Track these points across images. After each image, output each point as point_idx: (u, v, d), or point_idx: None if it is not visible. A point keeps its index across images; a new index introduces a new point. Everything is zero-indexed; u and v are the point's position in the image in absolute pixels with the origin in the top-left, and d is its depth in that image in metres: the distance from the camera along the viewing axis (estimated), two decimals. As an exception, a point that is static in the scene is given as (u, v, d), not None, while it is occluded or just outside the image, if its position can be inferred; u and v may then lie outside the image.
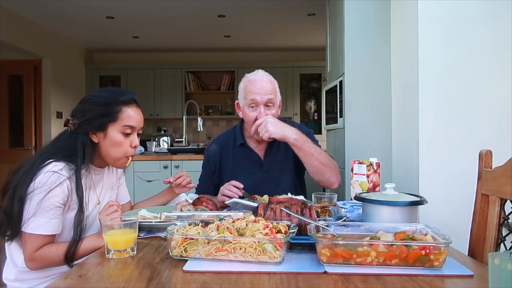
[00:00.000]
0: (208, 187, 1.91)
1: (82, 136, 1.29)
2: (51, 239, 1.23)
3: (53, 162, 1.24)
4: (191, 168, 3.50)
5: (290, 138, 1.68)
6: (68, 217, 1.27)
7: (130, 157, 1.38)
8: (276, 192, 1.69)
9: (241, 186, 1.67)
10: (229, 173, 1.86)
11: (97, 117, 1.29)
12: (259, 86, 1.75)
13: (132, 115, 1.34)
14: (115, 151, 1.33)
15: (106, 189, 1.46)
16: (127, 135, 1.33)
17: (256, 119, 1.74)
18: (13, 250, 1.28)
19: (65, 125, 1.33)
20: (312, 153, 1.70)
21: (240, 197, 1.63)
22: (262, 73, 1.81)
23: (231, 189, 1.67)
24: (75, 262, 1.24)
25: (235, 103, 1.90)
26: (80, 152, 1.28)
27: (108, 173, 1.48)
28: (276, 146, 1.89)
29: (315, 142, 1.83)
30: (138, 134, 1.39)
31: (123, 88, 1.42)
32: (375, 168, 1.63)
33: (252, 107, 1.76)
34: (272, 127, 1.66)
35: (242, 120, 1.92)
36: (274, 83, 1.81)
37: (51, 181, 1.20)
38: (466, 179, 1.61)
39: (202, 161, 2.01)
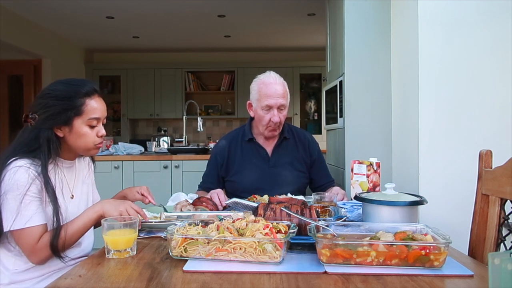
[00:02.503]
0: (212, 182, 1.97)
1: (45, 131, 1.26)
2: (45, 227, 1.22)
3: (17, 160, 1.22)
4: (191, 168, 3.49)
5: None
6: (47, 211, 1.25)
7: (99, 145, 1.37)
8: (279, 187, 1.75)
9: (224, 203, 1.65)
10: (236, 166, 1.94)
11: (61, 112, 1.27)
12: (273, 90, 1.85)
13: (96, 107, 1.32)
14: (83, 143, 1.32)
15: (81, 183, 1.44)
16: (93, 126, 1.33)
17: (270, 120, 1.86)
18: (0, 255, 1.26)
19: (25, 121, 1.29)
20: None
21: (239, 197, 1.63)
22: (275, 76, 1.90)
23: (214, 197, 1.67)
24: (71, 257, 1.25)
25: (247, 103, 1.98)
26: (44, 147, 1.25)
27: (80, 165, 1.46)
28: (285, 144, 1.98)
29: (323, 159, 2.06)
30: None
31: (86, 80, 1.37)
32: (375, 168, 1.63)
33: (266, 110, 1.86)
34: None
35: (251, 119, 2.00)
36: (285, 85, 1.92)
37: (19, 176, 1.18)
38: (466, 179, 1.61)
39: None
